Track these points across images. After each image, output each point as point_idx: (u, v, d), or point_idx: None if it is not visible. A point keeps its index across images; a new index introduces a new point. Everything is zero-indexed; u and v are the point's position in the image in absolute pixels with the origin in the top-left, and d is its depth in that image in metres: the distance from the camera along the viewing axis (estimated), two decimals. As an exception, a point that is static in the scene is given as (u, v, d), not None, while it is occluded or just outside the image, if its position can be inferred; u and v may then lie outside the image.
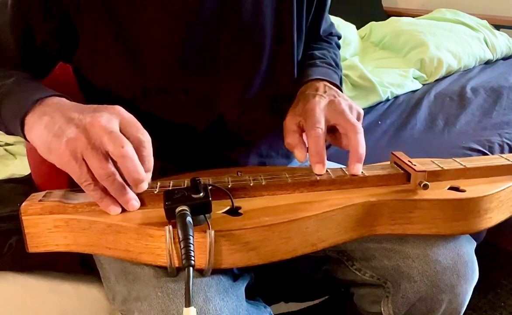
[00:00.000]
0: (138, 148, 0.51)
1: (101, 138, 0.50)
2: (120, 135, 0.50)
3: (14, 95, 0.57)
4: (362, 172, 0.63)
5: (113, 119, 0.51)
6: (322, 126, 0.62)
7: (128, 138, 0.51)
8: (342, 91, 0.71)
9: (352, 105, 0.66)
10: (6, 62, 0.63)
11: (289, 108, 0.72)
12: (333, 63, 0.80)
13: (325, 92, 0.67)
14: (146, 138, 0.52)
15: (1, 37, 0.63)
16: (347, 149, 0.63)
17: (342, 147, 0.65)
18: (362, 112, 0.67)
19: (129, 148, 0.50)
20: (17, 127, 0.56)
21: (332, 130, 0.65)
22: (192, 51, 0.66)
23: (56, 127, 0.51)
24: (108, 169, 0.50)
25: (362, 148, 0.61)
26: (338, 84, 0.73)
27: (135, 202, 0.54)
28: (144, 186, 0.52)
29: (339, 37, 0.90)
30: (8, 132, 0.60)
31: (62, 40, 0.64)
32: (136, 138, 0.52)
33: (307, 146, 0.63)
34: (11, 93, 0.58)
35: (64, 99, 0.56)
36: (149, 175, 0.53)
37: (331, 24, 0.88)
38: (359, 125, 0.62)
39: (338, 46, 0.89)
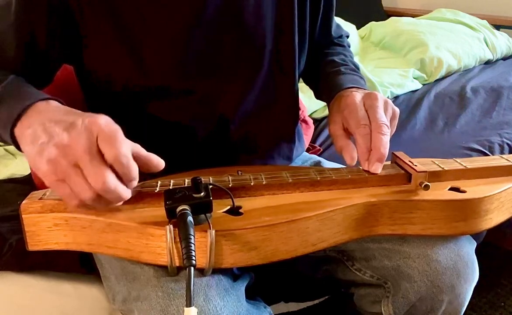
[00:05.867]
0: (114, 165, 0.48)
1: (80, 164, 0.48)
2: (100, 168, 0.48)
3: (2, 104, 0.56)
4: (363, 172, 0.63)
5: (91, 138, 0.48)
6: (367, 121, 0.63)
7: (104, 154, 0.48)
8: None
9: (388, 102, 0.67)
10: (4, 65, 0.62)
11: (289, 110, 0.72)
12: (355, 68, 0.81)
13: (358, 89, 0.69)
14: (123, 152, 0.48)
15: (2, 40, 0.62)
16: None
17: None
18: (398, 111, 0.68)
19: (110, 183, 0.48)
20: (10, 141, 0.55)
21: None
22: (194, 53, 0.66)
23: (38, 144, 0.49)
24: (90, 192, 0.48)
25: (384, 149, 0.61)
26: (366, 88, 0.74)
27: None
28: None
29: (348, 36, 0.91)
30: (5, 142, 0.58)
31: (66, 42, 0.63)
32: (112, 156, 0.48)
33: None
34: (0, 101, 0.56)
35: (50, 104, 0.54)
36: (135, 183, 0.51)
37: (338, 26, 0.88)
38: (385, 127, 0.62)
39: (349, 46, 0.89)
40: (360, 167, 0.64)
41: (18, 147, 0.54)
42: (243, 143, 0.73)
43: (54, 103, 0.55)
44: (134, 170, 0.50)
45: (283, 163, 0.80)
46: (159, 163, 0.54)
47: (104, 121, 0.49)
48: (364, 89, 0.72)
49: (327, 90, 0.76)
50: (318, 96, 0.83)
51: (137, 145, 0.52)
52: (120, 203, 0.53)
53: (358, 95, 0.66)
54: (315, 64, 0.81)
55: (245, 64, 0.70)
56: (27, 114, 0.53)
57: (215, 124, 0.71)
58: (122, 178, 0.49)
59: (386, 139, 0.62)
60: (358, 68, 0.81)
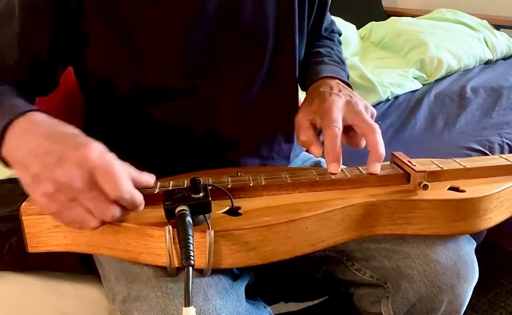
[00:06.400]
0: (119, 201, 0.48)
1: (80, 199, 0.47)
2: (106, 204, 0.47)
3: None
4: (362, 172, 0.63)
5: (86, 174, 0.46)
6: (339, 125, 0.62)
7: (105, 191, 0.47)
8: (351, 87, 0.72)
9: (368, 105, 0.67)
10: (3, 74, 0.61)
11: (289, 109, 0.72)
12: (339, 61, 0.80)
13: (340, 91, 0.67)
14: (125, 189, 0.47)
15: (4, 48, 0.61)
16: (359, 148, 0.64)
17: (355, 146, 0.65)
18: (375, 112, 0.68)
19: (118, 214, 0.48)
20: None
21: (345, 130, 0.65)
22: (194, 53, 0.66)
23: (30, 174, 0.48)
24: (96, 222, 0.48)
25: (382, 148, 0.62)
26: (347, 81, 0.74)
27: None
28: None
29: (340, 34, 0.91)
30: None
31: (68, 43, 0.63)
32: (115, 196, 0.47)
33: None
34: None
35: (33, 119, 0.52)
36: (141, 207, 0.51)
37: (332, 22, 0.88)
38: (377, 127, 0.62)
39: (340, 43, 0.89)
40: (359, 167, 0.64)
41: (8, 166, 0.53)
42: (242, 142, 0.73)
43: (37, 117, 0.52)
44: (139, 199, 0.49)
45: (281, 163, 0.80)
46: (150, 180, 0.53)
47: (96, 154, 0.47)
48: (344, 81, 0.72)
49: (308, 79, 0.75)
50: (303, 87, 0.81)
51: (128, 165, 0.51)
52: None
53: (339, 101, 0.65)
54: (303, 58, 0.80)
55: (245, 63, 0.70)
56: (11, 130, 0.51)
57: (214, 124, 0.71)
58: (128, 208, 0.49)
59: (381, 138, 0.62)
60: (343, 62, 0.81)
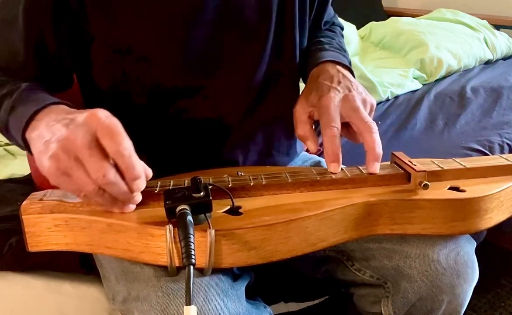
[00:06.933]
0: (116, 160, 0.48)
1: (80, 158, 0.48)
2: (101, 162, 0.48)
3: (15, 113, 0.57)
4: (362, 171, 0.63)
5: (90, 132, 0.48)
6: (337, 125, 0.62)
7: (105, 147, 0.48)
8: (353, 74, 0.72)
9: (366, 98, 0.66)
10: (17, 74, 0.63)
11: (289, 106, 0.72)
12: (340, 48, 0.80)
13: (339, 82, 0.67)
14: (125, 144, 0.48)
15: (14, 50, 0.62)
16: (360, 143, 0.63)
17: (355, 141, 0.65)
18: (374, 103, 0.67)
19: (111, 175, 0.48)
20: (23, 146, 0.56)
21: (346, 124, 0.65)
22: (194, 52, 0.66)
23: (42, 143, 0.50)
24: (92, 186, 0.49)
25: (379, 148, 0.61)
26: (348, 65, 0.73)
27: (132, 206, 0.54)
28: (138, 199, 0.53)
29: (342, 28, 0.90)
30: (22, 148, 0.59)
31: (74, 44, 0.64)
32: (113, 151, 0.48)
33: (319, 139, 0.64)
34: (13, 110, 0.58)
35: (58, 107, 0.55)
36: (141, 181, 0.50)
37: (334, 15, 0.88)
38: (374, 125, 0.62)
39: (342, 36, 0.89)
40: (360, 167, 0.64)
41: (30, 151, 0.55)
42: (243, 139, 0.73)
43: (62, 106, 0.56)
44: (138, 166, 0.49)
45: (282, 159, 0.80)
46: (149, 173, 0.53)
47: (103, 114, 0.49)
48: (345, 65, 0.72)
49: (309, 65, 0.75)
50: (304, 79, 0.79)
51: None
52: (133, 208, 0.54)
53: (336, 97, 0.65)
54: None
55: (246, 61, 0.70)
56: (36, 118, 0.54)
57: (215, 122, 0.71)
58: (125, 175, 0.49)
59: (378, 137, 0.62)
60: (345, 50, 0.80)
